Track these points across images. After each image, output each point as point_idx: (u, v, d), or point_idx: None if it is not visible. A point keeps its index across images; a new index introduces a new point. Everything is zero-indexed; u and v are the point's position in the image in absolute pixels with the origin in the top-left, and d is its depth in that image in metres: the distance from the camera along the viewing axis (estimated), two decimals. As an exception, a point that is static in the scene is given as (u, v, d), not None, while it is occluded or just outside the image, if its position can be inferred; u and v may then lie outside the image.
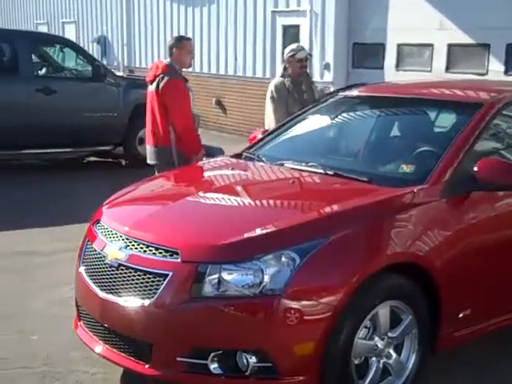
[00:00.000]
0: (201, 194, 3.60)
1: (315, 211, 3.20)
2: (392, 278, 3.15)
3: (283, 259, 2.93)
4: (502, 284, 3.63)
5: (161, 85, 5.39)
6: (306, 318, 2.90)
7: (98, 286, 3.31)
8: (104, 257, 3.33)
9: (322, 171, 3.71)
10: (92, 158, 10.46)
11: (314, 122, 4.55)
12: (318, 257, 2.95)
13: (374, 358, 3.16)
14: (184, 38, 5.86)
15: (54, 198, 7.76)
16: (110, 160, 10.57)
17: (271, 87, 6.15)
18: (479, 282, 3.48)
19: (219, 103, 12.81)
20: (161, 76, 5.42)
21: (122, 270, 3.19)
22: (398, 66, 9.36)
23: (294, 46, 6.48)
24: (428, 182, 3.37)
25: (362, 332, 3.07)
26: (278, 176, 3.86)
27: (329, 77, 10.22)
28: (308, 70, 6.44)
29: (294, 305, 2.89)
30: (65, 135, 9.15)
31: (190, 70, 13.68)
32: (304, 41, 10.47)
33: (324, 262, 2.98)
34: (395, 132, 4.21)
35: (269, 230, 3.04)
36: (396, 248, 3.13)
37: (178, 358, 3.00)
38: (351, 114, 4.56)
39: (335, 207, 3.20)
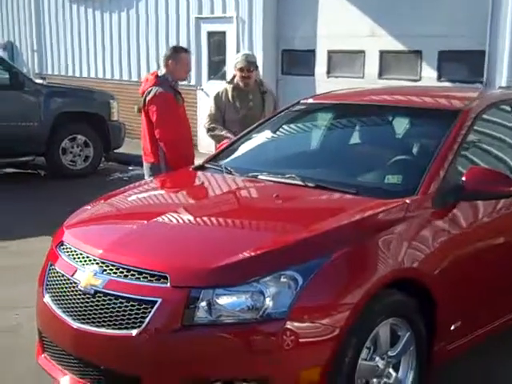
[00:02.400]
0: (178, 211, 3.29)
1: (312, 227, 2.96)
2: (392, 294, 3.00)
3: (285, 280, 2.72)
4: (489, 292, 3.57)
5: (147, 99, 5.16)
6: (311, 341, 2.70)
7: (70, 316, 2.97)
8: (75, 283, 3.00)
9: (301, 183, 3.51)
10: (9, 169, 9.87)
11: (283, 131, 4.36)
12: (321, 276, 2.76)
13: (374, 380, 2.99)
14: (181, 49, 5.52)
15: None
16: (28, 171, 10.02)
17: (212, 96, 5.94)
18: (469, 291, 3.40)
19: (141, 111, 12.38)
20: (148, 90, 5.18)
21: (99, 297, 2.88)
22: (329, 72, 9.33)
23: (240, 53, 6.20)
24: (418, 192, 3.25)
25: (363, 353, 2.90)
26: (257, 190, 3.62)
27: (258, 84, 10.07)
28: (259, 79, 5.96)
29: (299, 328, 2.68)
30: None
31: (109, 77, 13.30)
32: (231, 48, 10.31)
33: (327, 282, 2.79)
34: (372, 141, 4.08)
35: (266, 250, 2.81)
36: (397, 263, 2.99)
37: (171, 392, 2.73)
38: (323, 122, 4.38)
39: (332, 222, 3.00)
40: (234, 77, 5.80)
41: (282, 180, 3.59)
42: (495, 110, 3.95)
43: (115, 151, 10.18)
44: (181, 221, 3.23)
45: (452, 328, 3.33)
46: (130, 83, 12.58)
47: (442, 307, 3.16)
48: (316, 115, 4.48)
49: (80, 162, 9.58)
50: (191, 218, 3.27)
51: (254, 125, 4.51)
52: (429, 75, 8.09)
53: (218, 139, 5.57)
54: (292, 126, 4.44)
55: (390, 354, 3.04)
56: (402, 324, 3.06)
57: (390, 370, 3.06)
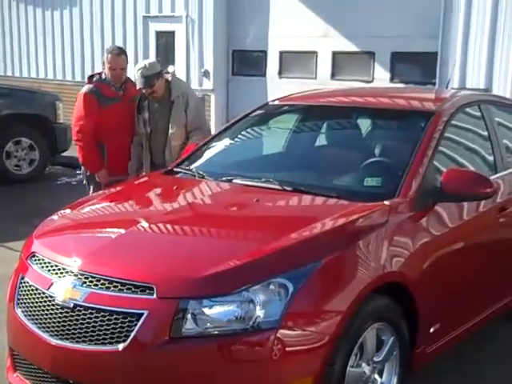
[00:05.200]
0: (156, 218, 3.19)
1: (298, 233, 2.91)
2: (378, 299, 2.97)
3: (275, 288, 2.65)
4: (467, 293, 3.59)
5: None
6: (302, 349, 2.65)
7: (47, 332, 2.83)
8: (52, 297, 2.86)
9: (279, 187, 3.45)
10: None
11: (252, 133, 4.28)
12: (312, 283, 2.71)
13: (361, 386, 2.98)
14: (109, 50, 5.18)
15: None
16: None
17: None
18: (448, 293, 3.42)
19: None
20: None
21: (79, 311, 2.75)
22: (281, 73, 9.31)
23: (136, 67, 5.02)
24: (399, 195, 3.24)
25: (351, 360, 2.87)
26: (235, 195, 3.53)
27: (209, 84, 9.98)
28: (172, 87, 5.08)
29: (290, 337, 2.63)
30: None
31: (51, 77, 12.87)
32: (181, 47, 10.18)
33: (318, 288, 2.75)
34: (346, 143, 4.04)
35: (254, 258, 2.74)
36: (384, 267, 2.96)
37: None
38: (293, 124, 4.30)
39: (319, 227, 2.96)
40: None
41: (259, 184, 3.52)
42: (468, 111, 3.99)
43: (61, 155, 9.86)
44: (162, 229, 3.12)
45: (431, 331, 3.34)
46: (74, 84, 12.28)
47: (423, 310, 3.15)
48: (285, 117, 4.42)
49: (25, 166, 9.22)
50: (172, 226, 3.16)
51: (222, 128, 4.42)
52: (381, 76, 8.17)
53: None
54: (263, 128, 4.37)
55: (375, 359, 3.02)
56: (386, 328, 3.04)
57: (376, 376, 3.05)
